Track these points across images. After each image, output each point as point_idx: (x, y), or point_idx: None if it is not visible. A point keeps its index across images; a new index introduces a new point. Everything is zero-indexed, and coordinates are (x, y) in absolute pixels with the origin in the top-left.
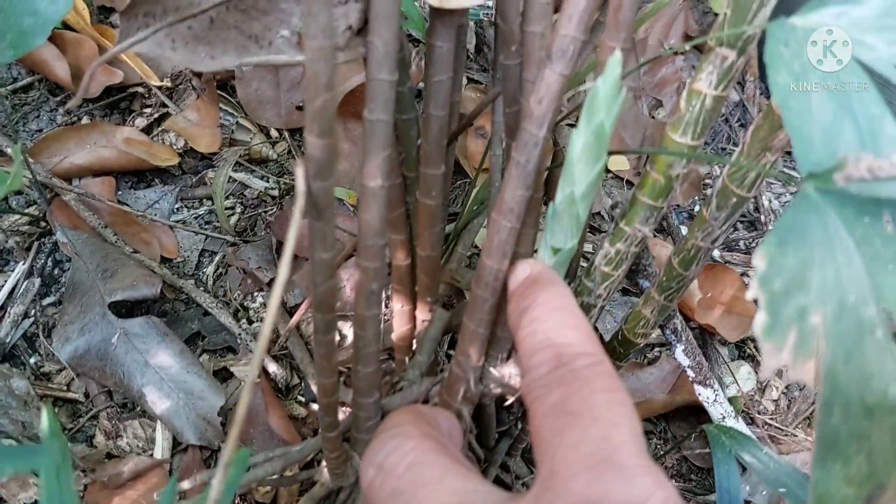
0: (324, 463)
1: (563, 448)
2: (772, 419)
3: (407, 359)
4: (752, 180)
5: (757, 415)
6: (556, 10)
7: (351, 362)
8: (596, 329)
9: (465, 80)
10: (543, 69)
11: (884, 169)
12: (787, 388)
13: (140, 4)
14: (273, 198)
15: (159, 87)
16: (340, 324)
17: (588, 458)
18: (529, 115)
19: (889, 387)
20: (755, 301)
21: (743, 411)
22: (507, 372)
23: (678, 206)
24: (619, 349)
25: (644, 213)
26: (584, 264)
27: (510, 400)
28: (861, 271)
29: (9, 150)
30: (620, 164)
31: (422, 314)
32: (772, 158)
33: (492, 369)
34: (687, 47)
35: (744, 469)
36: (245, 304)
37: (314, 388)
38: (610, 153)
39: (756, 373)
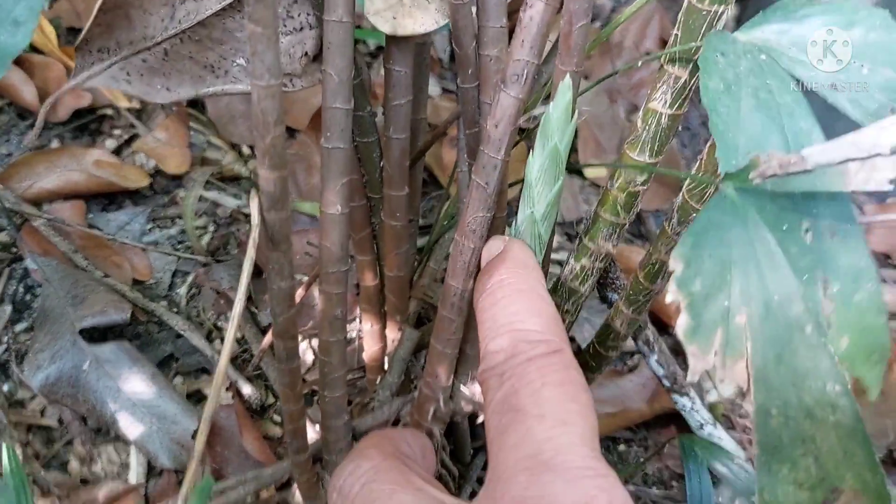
0: (296, 485)
1: (506, 448)
2: (753, 423)
3: (378, 378)
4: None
5: (738, 419)
6: (511, 33)
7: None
8: (573, 340)
9: (438, 90)
10: (499, 93)
11: (794, 163)
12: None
13: (94, 40)
14: (245, 216)
15: (128, 109)
16: (314, 342)
17: (527, 460)
18: (487, 139)
19: (826, 384)
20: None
21: (725, 416)
22: (478, 390)
23: (658, 210)
24: (591, 363)
25: (607, 230)
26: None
27: (482, 418)
28: (785, 268)
29: None
30: (598, 171)
31: (392, 333)
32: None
33: (462, 387)
34: (651, 58)
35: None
36: (218, 324)
37: None
38: (569, 170)
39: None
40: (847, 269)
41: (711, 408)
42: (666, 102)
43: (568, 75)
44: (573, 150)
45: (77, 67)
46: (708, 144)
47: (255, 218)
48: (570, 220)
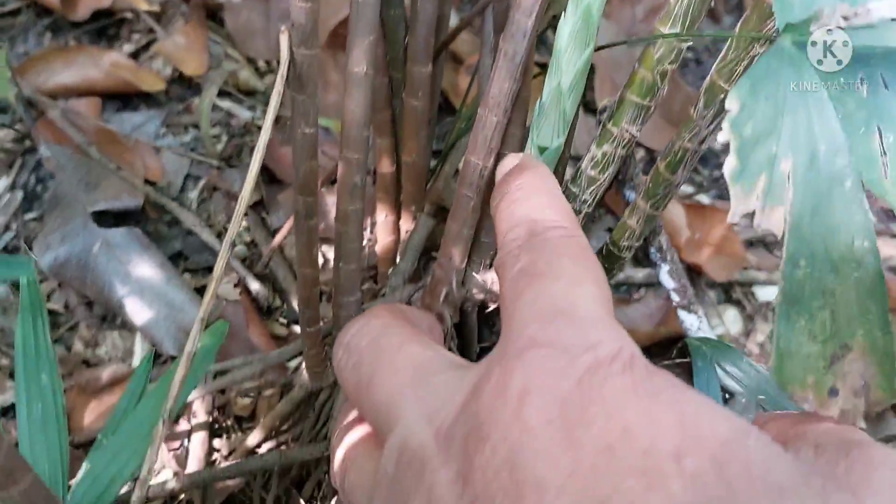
0: (303, 366)
1: (521, 306)
2: (757, 361)
3: (390, 271)
4: (741, 75)
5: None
6: None
7: (333, 283)
8: None
9: (458, 22)
10: None
11: (859, 15)
12: (772, 331)
13: None
14: (259, 128)
15: (147, 13)
16: (324, 248)
17: (543, 310)
18: (517, 4)
19: (855, 239)
20: (727, 145)
21: None
22: (490, 277)
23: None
24: (604, 264)
25: (632, 112)
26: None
27: (492, 307)
28: (834, 121)
29: None
30: None
31: (406, 224)
32: (761, 51)
33: (474, 274)
34: None
35: (730, 396)
36: (229, 226)
37: (296, 308)
38: (598, 48)
39: (742, 317)
40: None
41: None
42: None
43: None
44: (589, 88)
45: None
46: (741, 20)
47: (284, 53)
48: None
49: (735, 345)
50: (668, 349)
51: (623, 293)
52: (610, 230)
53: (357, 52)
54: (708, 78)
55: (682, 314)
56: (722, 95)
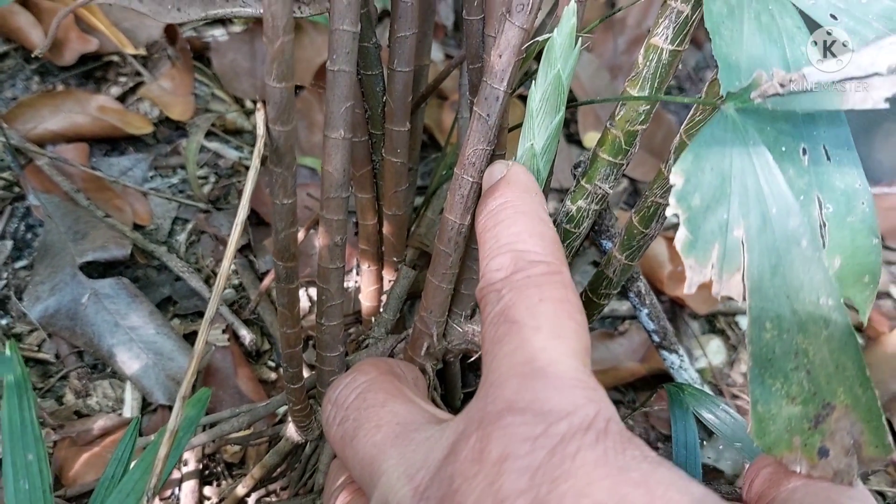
0: (289, 418)
1: (499, 356)
2: (740, 391)
3: (373, 319)
4: None
5: (725, 387)
6: None
7: (315, 338)
8: None
9: (441, 56)
10: (504, 22)
11: (795, 81)
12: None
13: None
14: (247, 168)
15: (134, 56)
16: (311, 290)
17: (520, 367)
18: (490, 70)
19: (819, 297)
20: (675, 216)
21: (711, 383)
22: (471, 328)
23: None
24: None
25: (605, 170)
26: None
27: (474, 356)
28: (783, 183)
29: None
30: (596, 140)
31: (388, 274)
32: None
33: (455, 325)
34: None
35: (709, 435)
36: (216, 270)
37: None
38: (569, 105)
39: (726, 347)
40: (842, 191)
41: (699, 372)
42: (667, 38)
43: (573, 2)
44: (572, 121)
45: None
46: (708, 81)
47: (260, 129)
48: (566, 188)
49: (719, 375)
50: (653, 384)
51: (607, 326)
52: (595, 263)
53: (334, 117)
54: (677, 137)
55: (664, 353)
56: None
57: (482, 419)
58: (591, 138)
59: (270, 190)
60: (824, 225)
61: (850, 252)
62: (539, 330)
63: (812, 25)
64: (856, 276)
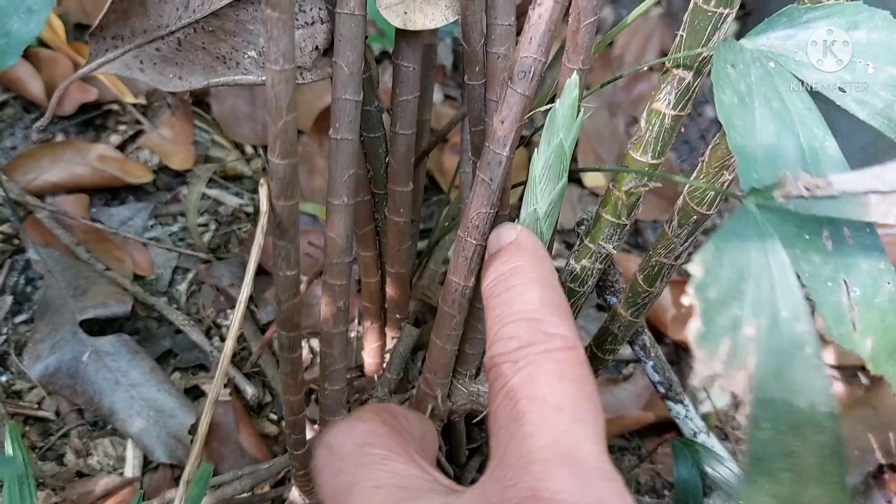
0: (293, 481)
1: (519, 436)
2: (745, 434)
3: (376, 376)
4: (712, 198)
5: (731, 430)
6: (519, 32)
7: (319, 404)
8: None
9: (441, 97)
10: (506, 89)
11: (820, 188)
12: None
13: (109, 26)
14: (247, 214)
15: (133, 105)
16: (313, 341)
17: (544, 450)
18: (493, 135)
19: (816, 403)
20: (690, 307)
21: (716, 426)
22: (476, 388)
23: (655, 221)
24: None
25: (608, 231)
26: None
27: (479, 416)
28: (795, 287)
29: None
30: (597, 180)
31: (391, 331)
32: (730, 177)
33: (460, 385)
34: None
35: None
36: (217, 321)
37: None
38: (572, 172)
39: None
40: (867, 273)
41: (704, 418)
42: (669, 103)
43: (575, 72)
44: (573, 160)
45: (91, 54)
46: (710, 147)
47: (263, 205)
48: (568, 229)
49: (724, 418)
50: (658, 430)
51: (611, 371)
52: (600, 308)
53: (337, 184)
54: (681, 198)
55: (669, 403)
56: (694, 217)
57: None
58: (592, 177)
59: (273, 262)
60: (853, 307)
61: (880, 332)
62: (562, 411)
63: (821, 100)
64: (887, 353)
